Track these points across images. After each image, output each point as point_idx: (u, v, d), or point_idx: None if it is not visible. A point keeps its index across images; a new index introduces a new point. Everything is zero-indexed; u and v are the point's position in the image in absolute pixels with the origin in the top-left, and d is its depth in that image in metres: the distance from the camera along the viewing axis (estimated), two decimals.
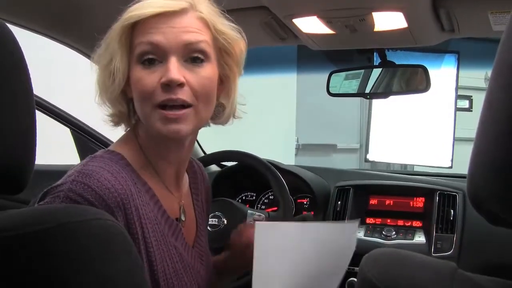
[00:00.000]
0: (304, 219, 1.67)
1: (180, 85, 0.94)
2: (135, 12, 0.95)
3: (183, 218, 1.09)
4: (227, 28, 1.02)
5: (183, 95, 0.94)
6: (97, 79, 1.02)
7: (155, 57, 0.95)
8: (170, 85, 0.93)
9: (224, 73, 1.04)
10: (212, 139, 2.20)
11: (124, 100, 1.01)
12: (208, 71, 0.98)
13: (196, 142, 2.19)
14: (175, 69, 0.93)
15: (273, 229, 1.05)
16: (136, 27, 0.96)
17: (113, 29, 0.98)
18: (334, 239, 1.10)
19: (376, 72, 1.61)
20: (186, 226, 1.10)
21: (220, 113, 1.07)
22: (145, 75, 0.95)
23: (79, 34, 1.53)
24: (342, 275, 1.08)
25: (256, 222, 1.04)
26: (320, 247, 1.07)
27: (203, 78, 0.97)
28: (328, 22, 1.35)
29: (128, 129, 1.06)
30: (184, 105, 0.95)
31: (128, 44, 0.97)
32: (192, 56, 0.96)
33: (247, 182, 1.97)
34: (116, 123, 1.05)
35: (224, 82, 1.05)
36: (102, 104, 1.03)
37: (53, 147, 2.36)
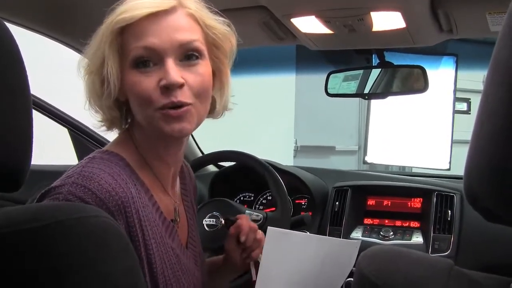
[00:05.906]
0: (302, 220, 1.67)
1: (180, 86, 0.92)
2: (124, 14, 0.91)
3: (177, 219, 1.08)
4: (216, 22, 1.00)
5: (183, 96, 0.93)
6: (86, 86, 0.98)
7: (150, 60, 0.93)
8: (170, 88, 0.91)
9: (217, 67, 1.03)
10: (210, 139, 2.20)
11: (116, 105, 0.99)
12: (204, 68, 0.97)
13: (194, 142, 2.20)
14: (174, 71, 0.91)
15: (283, 236, 1.12)
16: (127, 30, 0.93)
17: (102, 32, 0.94)
18: (336, 254, 1.16)
19: (374, 73, 1.62)
20: (180, 227, 1.09)
21: (213, 107, 1.05)
22: (142, 79, 0.92)
23: (75, 32, 1.52)
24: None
25: (269, 227, 1.09)
26: (321, 259, 1.13)
27: (200, 75, 0.96)
28: (327, 21, 1.35)
29: (122, 131, 1.05)
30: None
31: (120, 48, 0.94)
32: (187, 54, 0.95)
33: (245, 183, 1.96)
34: (109, 128, 1.03)
35: (217, 76, 1.04)
36: (93, 111, 1.00)
37: (51, 147, 2.36)
